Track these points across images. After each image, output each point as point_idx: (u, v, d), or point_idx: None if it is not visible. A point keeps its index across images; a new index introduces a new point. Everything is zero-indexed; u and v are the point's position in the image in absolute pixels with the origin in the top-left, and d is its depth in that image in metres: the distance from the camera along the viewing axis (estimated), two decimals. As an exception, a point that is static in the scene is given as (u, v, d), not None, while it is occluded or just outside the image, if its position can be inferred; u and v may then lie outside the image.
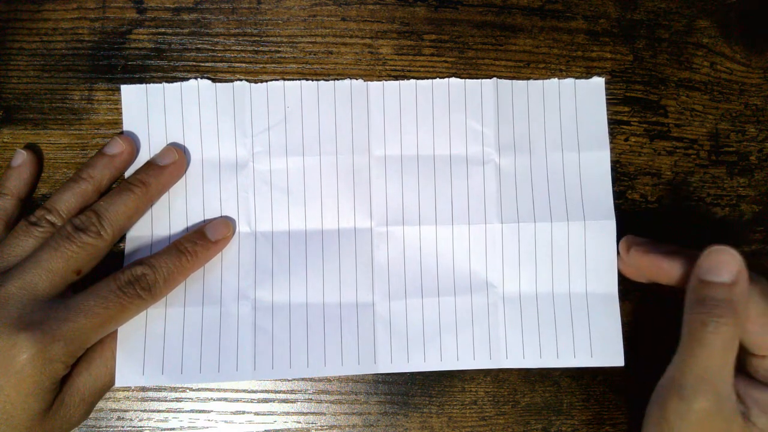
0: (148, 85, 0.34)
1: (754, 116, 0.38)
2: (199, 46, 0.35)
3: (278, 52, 0.35)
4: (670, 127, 0.37)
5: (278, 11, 0.35)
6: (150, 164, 0.33)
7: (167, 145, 0.34)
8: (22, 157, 0.33)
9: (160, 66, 0.35)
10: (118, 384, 0.32)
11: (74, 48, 0.34)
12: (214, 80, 0.35)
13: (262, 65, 0.35)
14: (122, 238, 0.34)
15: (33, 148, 0.34)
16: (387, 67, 0.36)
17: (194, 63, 0.35)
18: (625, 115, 0.37)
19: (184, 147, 0.34)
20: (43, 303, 0.29)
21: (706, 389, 0.27)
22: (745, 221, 0.38)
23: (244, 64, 0.35)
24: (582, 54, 0.37)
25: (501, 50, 0.36)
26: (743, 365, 0.29)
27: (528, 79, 0.36)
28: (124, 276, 0.30)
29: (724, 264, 0.28)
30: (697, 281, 0.28)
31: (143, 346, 0.33)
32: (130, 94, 0.34)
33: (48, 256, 0.29)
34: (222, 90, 0.35)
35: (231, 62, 0.35)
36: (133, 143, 0.34)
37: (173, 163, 0.33)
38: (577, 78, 0.36)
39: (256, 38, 0.35)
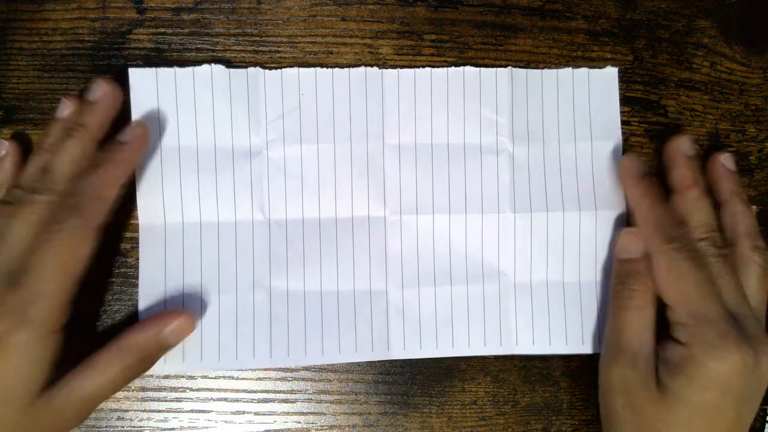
0: (158, 69, 0.34)
1: (754, 116, 0.38)
2: (199, 46, 0.35)
3: (278, 52, 0.35)
4: (670, 127, 0.37)
5: (278, 11, 0.35)
6: (84, 105, 0.32)
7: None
8: (5, 148, 0.33)
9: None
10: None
11: (74, 48, 0.34)
12: (228, 66, 0.34)
13: (262, 65, 0.35)
14: (136, 229, 0.34)
15: (17, 138, 0.34)
16: (387, 67, 0.36)
17: (194, 63, 0.35)
18: (625, 115, 0.37)
19: (195, 133, 0.34)
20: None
21: (623, 355, 0.31)
22: (745, 221, 0.38)
23: (244, 64, 0.35)
24: (582, 54, 0.37)
25: (501, 50, 0.36)
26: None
27: (528, 79, 0.36)
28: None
29: (632, 243, 0.33)
30: (616, 261, 0.34)
31: None
32: (138, 77, 0.34)
33: (17, 230, 0.29)
34: (236, 76, 0.34)
35: (231, 62, 0.35)
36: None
37: (103, 96, 0.32)
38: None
39: (256, 38, 0.35)
